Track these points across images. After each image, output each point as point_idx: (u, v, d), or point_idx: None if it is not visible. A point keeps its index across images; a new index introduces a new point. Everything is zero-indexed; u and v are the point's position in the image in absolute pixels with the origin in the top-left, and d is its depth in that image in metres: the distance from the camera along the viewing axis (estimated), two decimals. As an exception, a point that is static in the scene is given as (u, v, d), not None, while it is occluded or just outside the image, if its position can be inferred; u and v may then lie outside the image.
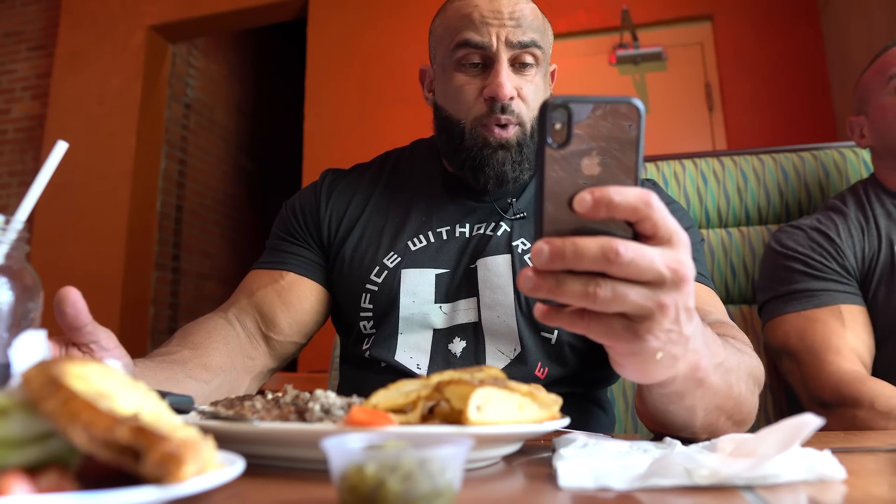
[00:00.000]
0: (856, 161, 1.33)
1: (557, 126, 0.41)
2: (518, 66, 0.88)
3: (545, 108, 0.41)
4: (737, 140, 3.05)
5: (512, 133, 0.88)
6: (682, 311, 0.44)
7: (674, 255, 0.42)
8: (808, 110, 3.00)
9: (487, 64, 0.88)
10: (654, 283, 0.42)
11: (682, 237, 0.43)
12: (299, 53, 3.90)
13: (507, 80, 0.86)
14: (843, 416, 0.93)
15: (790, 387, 1.23)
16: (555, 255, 0.41)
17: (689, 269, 0.43)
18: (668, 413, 0.60)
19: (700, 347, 0.49)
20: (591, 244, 0.40)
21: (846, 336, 1.02)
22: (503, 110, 0.86)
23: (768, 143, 2.90)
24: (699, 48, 3.23)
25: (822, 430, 0.94)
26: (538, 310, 0.45)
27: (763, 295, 1.15)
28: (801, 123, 2.98)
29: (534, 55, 0.88)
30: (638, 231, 0.43)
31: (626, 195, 0.41)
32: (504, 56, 0.87)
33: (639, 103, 0.41)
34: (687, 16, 3.24)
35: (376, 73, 3.54)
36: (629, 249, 0.41)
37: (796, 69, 3.05)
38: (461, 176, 0.93)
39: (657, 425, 0.66)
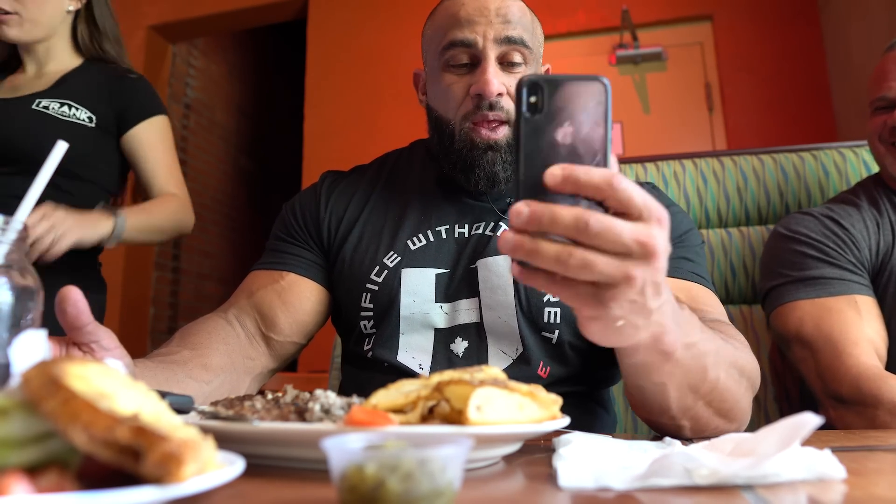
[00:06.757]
0: (856, 161, 1.33)
1: (532, 100, 0.45)
2: (507, 64, 0.88)
3: (520, 85, 0.45)
4: (737, 140, 3.05)
5: (501, 134, 0.87)
6: (648, 285, 0.46)
7: (645, 230, 0.44)
8: (808, 110, 3.00)
9: (475, 63, 0.88)
10: (623, 254, 0.44)
11: (658, 213, 0.45)
12: (299, 53, 3.90)
13: (494, 77, 0.85)
14: (862, 414, 0.92)
15: (798, 378, 1.23)
16: (532, 218, 0.43)
17: (660, 243, 0.44)
18: (643, 390, 0.64)
19: (666, 322, 0.51)
20: (566, 213, 0.43)
21: (864, 328, 1.00)
22: (491, 107, 0.86)
23: (768, 143, 2.90)
24: (699, 48, 3.24)
25: (841, 426, 0.94)
26: (514, 268, 0.47)
27: (769, 281, 1.11)
28: (801, 123, 2.98)
29: (522, 53, 0.88)
30: (608, 208, 0.45)
31: (591, 176, 0.43)
32: (491, 53, 0.87)
33: (605, 81, 0.44)
34: (687, 16, 3.24)
35: (376, 73, 3.54)
36: (599, 221, 0.43)
37: (796, 69, 3.05)
38: (454, 178, 0.93)
39: (640, 409, 0.70)
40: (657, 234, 0.44)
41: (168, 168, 1.55)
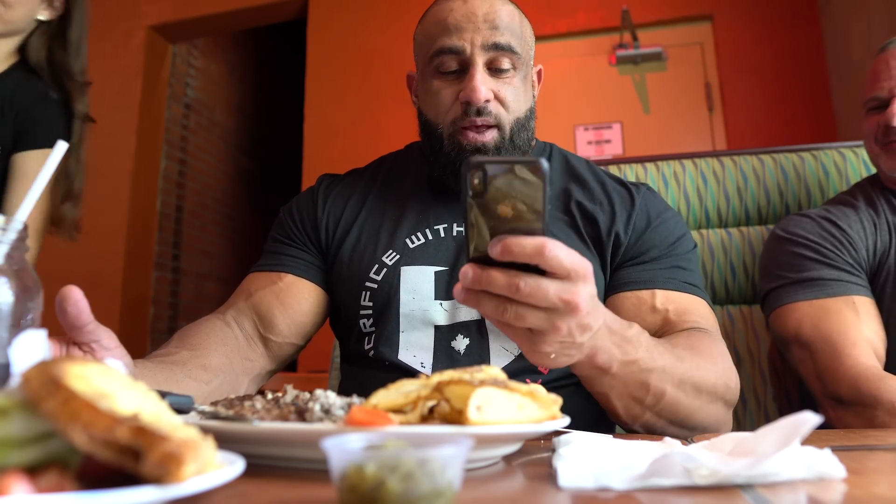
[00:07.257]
0: (856, 161, 1.33)
1: (476, 181, 0.51)
2: (495, 70, 0.88)
3: (465, 168, 0.51)
4: (737, 140, 3.05)
5: (489, 137, 0.88)
6: (574, 329, 0.55)
7: (568, 289, 0.52)
8: (808, 110, 3.00)
9: (464, 69, 0.88)
10: (550, 309, 0.53)
11: (583, 272, 0.53)
12: (299, 53, 3.90)
13: (482, 84, 0.86)
14: (861, 414, 0.92)
15: (798, 378, 1.23)
16: (475, 280, 0.52)
17: (582, 299, 0.53)
18: (596, 396, 0.74)
19: (600, 344, 0.63)
20: (500, 278, 0.52)
21: (862, 328, 1.00)
22: (479, 113, 0.87)
23: (768, 143, 2.90)
24: (699, 48, 3.23)
25: (840, 426, 0.95)
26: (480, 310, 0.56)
27: (768, 283, 1.11)
28: (801, 123, 2.98)
29: (510, 59, 0.88)
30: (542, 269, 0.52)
31: (523, 248, 0.50)
32: (479, 60, 0.87)
33: (543, 164, 0.50)
34: (687, 16, 3.24)
35: (376, 73, 3.54)
36: (528, 284, 0.51)
37: (796, 69, 3.04)
38: (446, 179, 0.94)
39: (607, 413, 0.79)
40: (581, 290, 0.53)
41: (34, 212, 1.23)
